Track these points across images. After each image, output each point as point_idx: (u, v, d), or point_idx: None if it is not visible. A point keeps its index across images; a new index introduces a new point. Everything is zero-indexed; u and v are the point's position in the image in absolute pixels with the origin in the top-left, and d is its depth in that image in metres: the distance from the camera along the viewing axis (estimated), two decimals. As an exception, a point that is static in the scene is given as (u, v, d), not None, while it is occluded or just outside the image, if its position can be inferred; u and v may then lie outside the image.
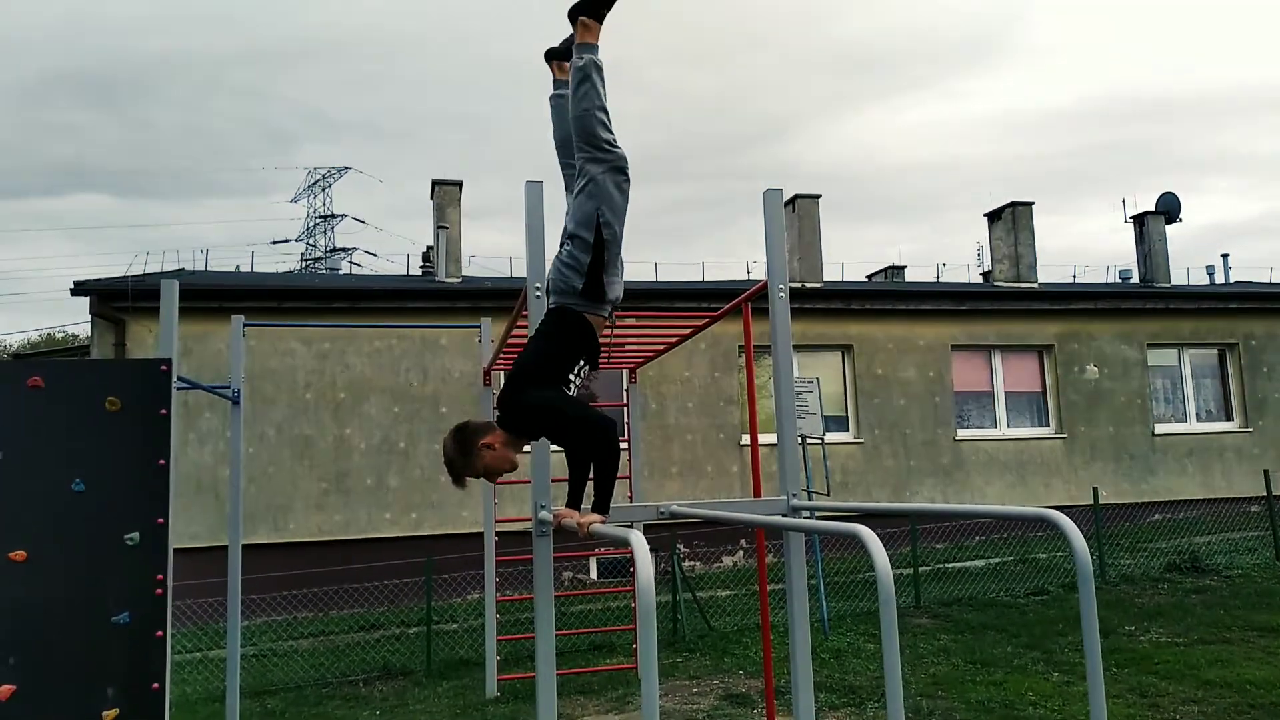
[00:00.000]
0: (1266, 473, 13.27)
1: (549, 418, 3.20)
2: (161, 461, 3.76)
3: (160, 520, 3.70)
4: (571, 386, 3.32)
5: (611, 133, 3.31)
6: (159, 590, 3.65)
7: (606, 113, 3.30)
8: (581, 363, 3.35)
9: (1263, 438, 17.12)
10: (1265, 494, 12.94)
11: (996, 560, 12.92)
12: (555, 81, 3.68)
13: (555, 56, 3.68)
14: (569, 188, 3.55)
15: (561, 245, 3.42)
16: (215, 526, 12.07)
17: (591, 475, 3.21)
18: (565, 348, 3.32)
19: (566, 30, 3.46)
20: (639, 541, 2.16)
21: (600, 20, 3.29)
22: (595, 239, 3.28)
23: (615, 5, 3.30)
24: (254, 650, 9.97)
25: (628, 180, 3.35)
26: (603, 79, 3.29)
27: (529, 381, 3.25)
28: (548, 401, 3.18)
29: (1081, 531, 2.42)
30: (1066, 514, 2.50)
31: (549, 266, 3.58)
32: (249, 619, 10.99)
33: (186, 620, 10.85)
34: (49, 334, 39.94)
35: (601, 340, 3.52)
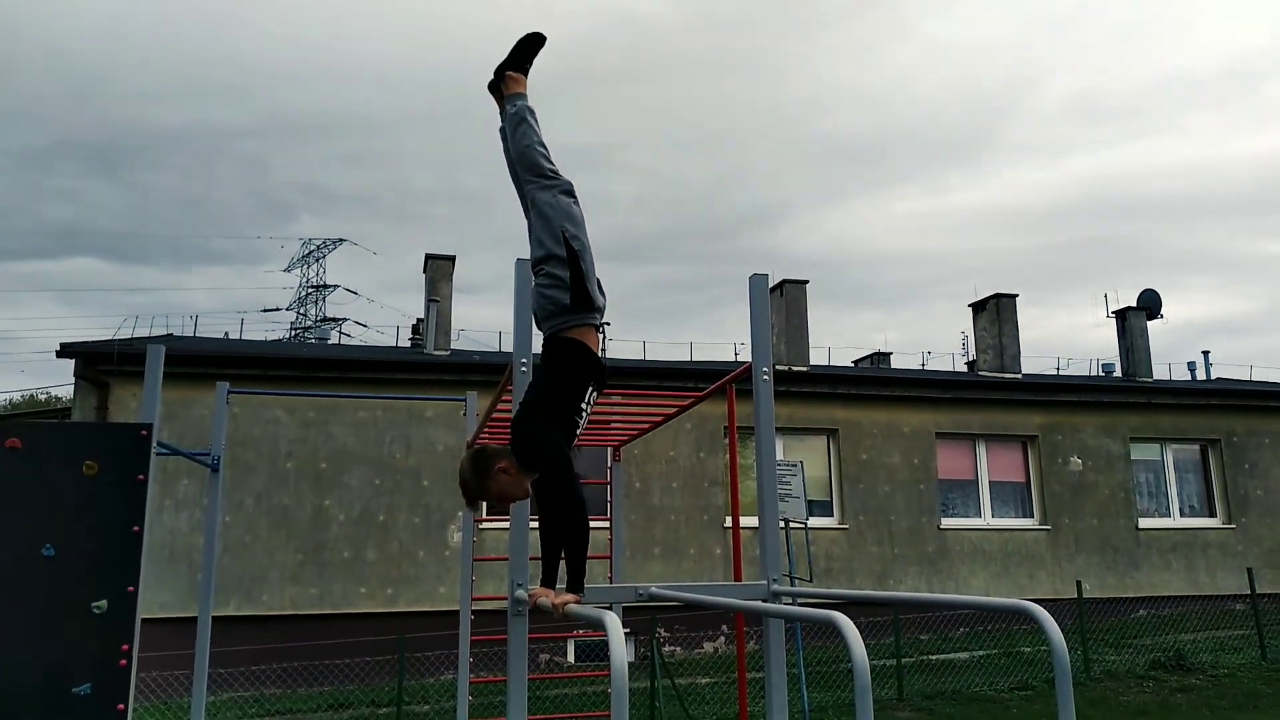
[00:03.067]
0: (1250, 570, 13.22)
1: (537, 458, 3.18)
2: (136, 528, 3.70)
3: (130, 588, 3.63)
4: (584, 414, 3.31)
5: (553, 163, 3.46)
6: (123, 661, 3.56)
7: (545, 147, 3.47)
8: (590, 389, 3.34)
9: (1246, 535, 17.09)
10: (1249, 592, 12.87)
11: (981, 653, 12.74)
12: (501, 113, 3.72)
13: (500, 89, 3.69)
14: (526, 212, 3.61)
15: (536, 275, 3.45)
16: (186, 596, 11.81)
17: (564, 554, 3.17)
18: (570, 378, 3.31)
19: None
20: (613, 623, 2.13)
21: (525, 73, 3.55)
22: (568, 253, 3.33)
23: (535, 59, 3.55)
24: (218, 727, 9.67)
25: (577, 201, 3.46)
26: (536, 120, 3.49)
27: (534, 414, 3.24)
28: (542, 443, 3.16)
29: (1066, 625, 2.41)
30: (1050, 607, 2.49)
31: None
32: (215, 694, 10.68)
33: (150, 693, 10.52)
34: (31, 395, 39.63)
35: (590, 418, 3.51)
